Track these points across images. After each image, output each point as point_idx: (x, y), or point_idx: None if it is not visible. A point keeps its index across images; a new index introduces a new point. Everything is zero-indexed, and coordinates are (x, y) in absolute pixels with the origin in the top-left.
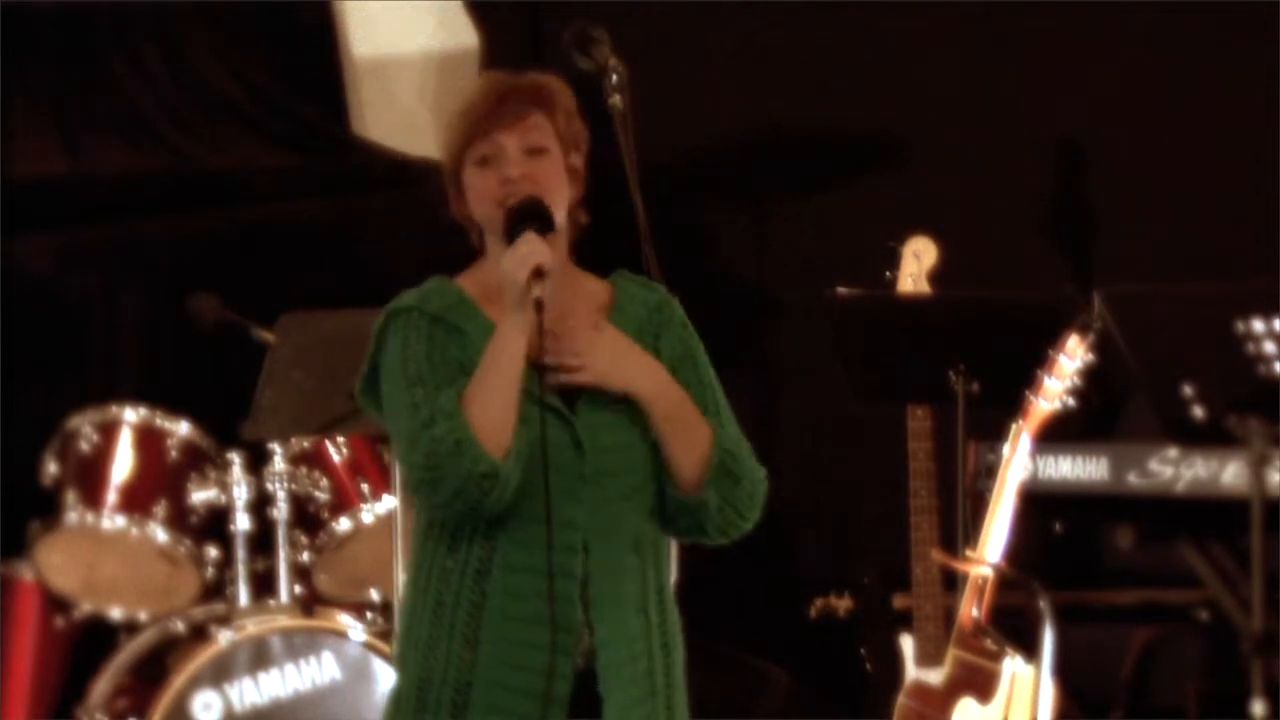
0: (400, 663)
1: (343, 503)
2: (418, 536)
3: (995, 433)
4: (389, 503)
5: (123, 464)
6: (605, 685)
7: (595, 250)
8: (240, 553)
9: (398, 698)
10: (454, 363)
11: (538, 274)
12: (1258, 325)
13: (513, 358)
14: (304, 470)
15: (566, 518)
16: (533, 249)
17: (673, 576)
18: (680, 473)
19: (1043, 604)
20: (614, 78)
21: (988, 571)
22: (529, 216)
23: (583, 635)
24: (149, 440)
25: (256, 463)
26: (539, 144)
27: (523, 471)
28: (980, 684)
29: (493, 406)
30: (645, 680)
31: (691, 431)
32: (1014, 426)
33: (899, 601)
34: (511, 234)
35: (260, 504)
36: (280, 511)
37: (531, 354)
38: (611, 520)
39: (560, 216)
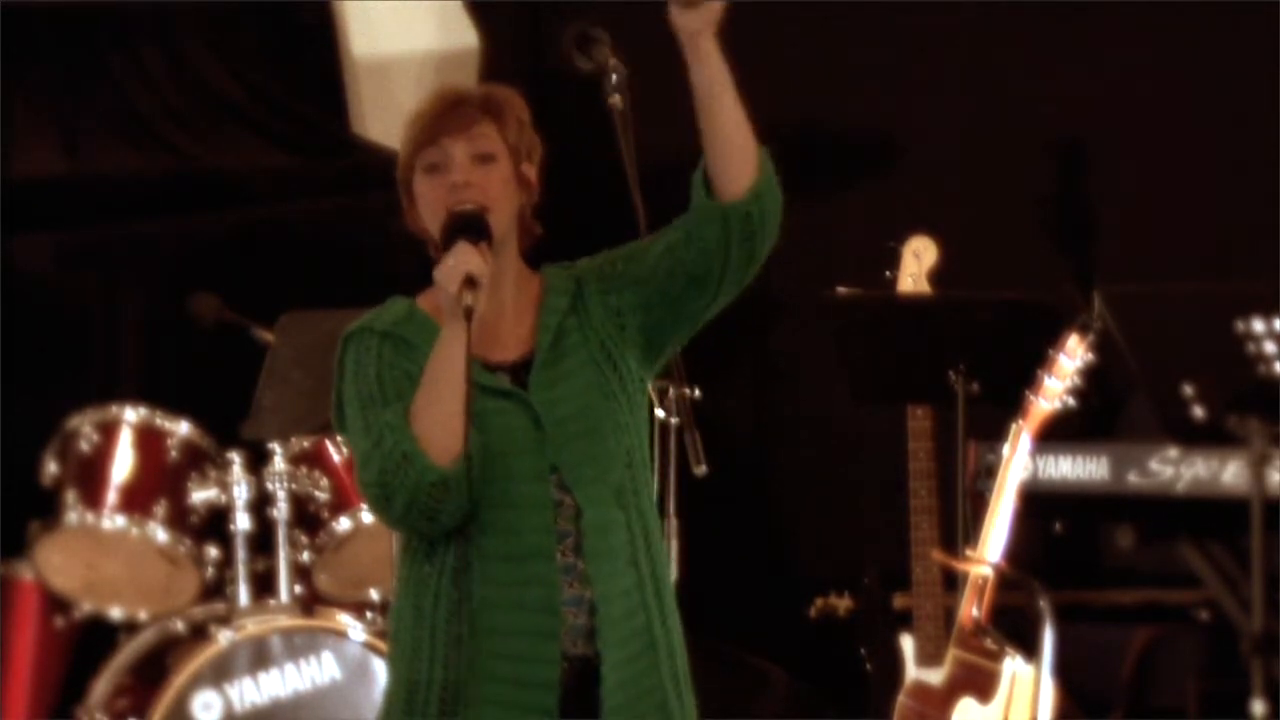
0: (388, 668)
1: (343, 502)
2: (399, 549)
3: (995, 433)
4: None
5: (123, 464)
6: (603, 642)
7: (595, 251)
8: (240, 553)
9: (387, 704)
10: (404, 377)
11: (469, 283)
12: (1258, 325)
13: (452, 366)
14: (304, 470)
15: (539, 499)
16: (462, 259)
17: (673, 576)
18: (742, 131)
19: (1043, 604)
20: (614, 78)
21: (988, 571)
22: (463, 227)
23: (567, 616)
24: (149, 440)
25: (256, 463)
26: (486, 150)
27: (488, 465)
28: (980, 684)
29: (437, 416)
30: (644, 634)
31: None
32: (1014, 426)
33: (899, 601)
34: (446, 244)
35: (260, 504)
36: (280, 511)
37: (494, 355)
38: (594, 481)
39: (503, 224)
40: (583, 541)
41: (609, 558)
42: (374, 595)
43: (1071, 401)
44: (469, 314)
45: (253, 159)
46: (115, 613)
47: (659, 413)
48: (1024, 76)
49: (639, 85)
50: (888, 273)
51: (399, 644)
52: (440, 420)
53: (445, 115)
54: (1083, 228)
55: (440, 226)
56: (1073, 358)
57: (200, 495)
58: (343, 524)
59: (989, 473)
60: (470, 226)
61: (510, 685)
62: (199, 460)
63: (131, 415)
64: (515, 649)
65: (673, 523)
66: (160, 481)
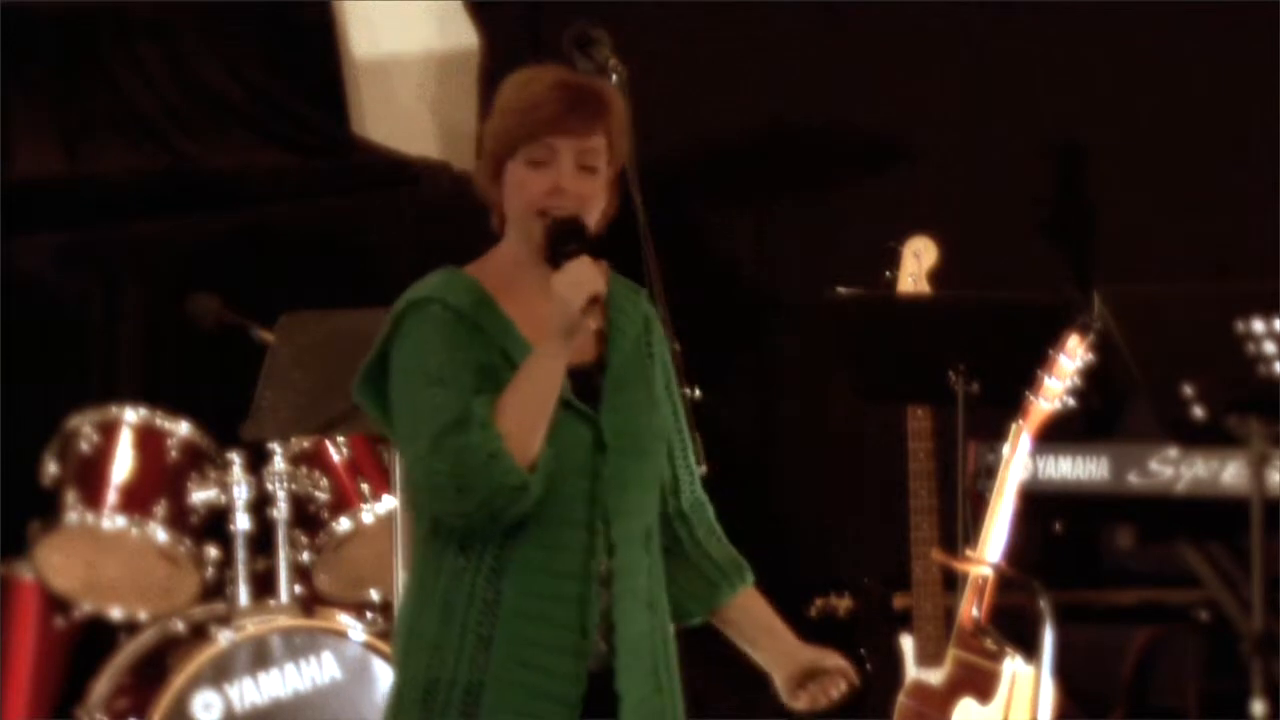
0: (402, 663)
1: (343, 503)
2: (422, 536)
3: (995, 433)
4: (389, 503)
5: (123, 464)
6: (623, 684)
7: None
8: (240, 553)
9: (400, 699)
10: (473, 363)
11: (593, 302)
12: (1258, 325)
13: (553, 378)
14: (304, 470)
15: (584, 520)
16: (586, 275)
17: None
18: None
19: (1043, 604)
20: (614, 78)
21: (988, 571)
22: (574, 237)
23: (597, 639)
24: (149, 440)
25: (256, 463)
26: (592, 163)
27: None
28: (980, 684)
29: (527, 423)
30: (652, 677)
31: None
32: (1014, 426)
33: (899, 601)
34: (555, 253)
35: (260, 504)
36: (280, 511)
37: (531, 345)
38: (631, 518)
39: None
40: (611, 578)
41: (631, 598)
42: (374, 595)
43: (1071, 401)
44: (601, 336)
45: (253, 159)
46: (115, 613)
47: None
48: (1024, 77)
49: (639, 85)
50: (888, 273)
51: (420, 638)
52: (528, 428)
53: (565, 114)
54: (1083, 228)
55: (543, 231)
56: (1073, 358)
57: (200, 495)
58: (343, 524)
59: (989, 473)
60: (577, 235)
61: (533, 697)
62: (199, 460)
63: (131, 415)
64: (542, 662)
65: None
66: (160, 481)
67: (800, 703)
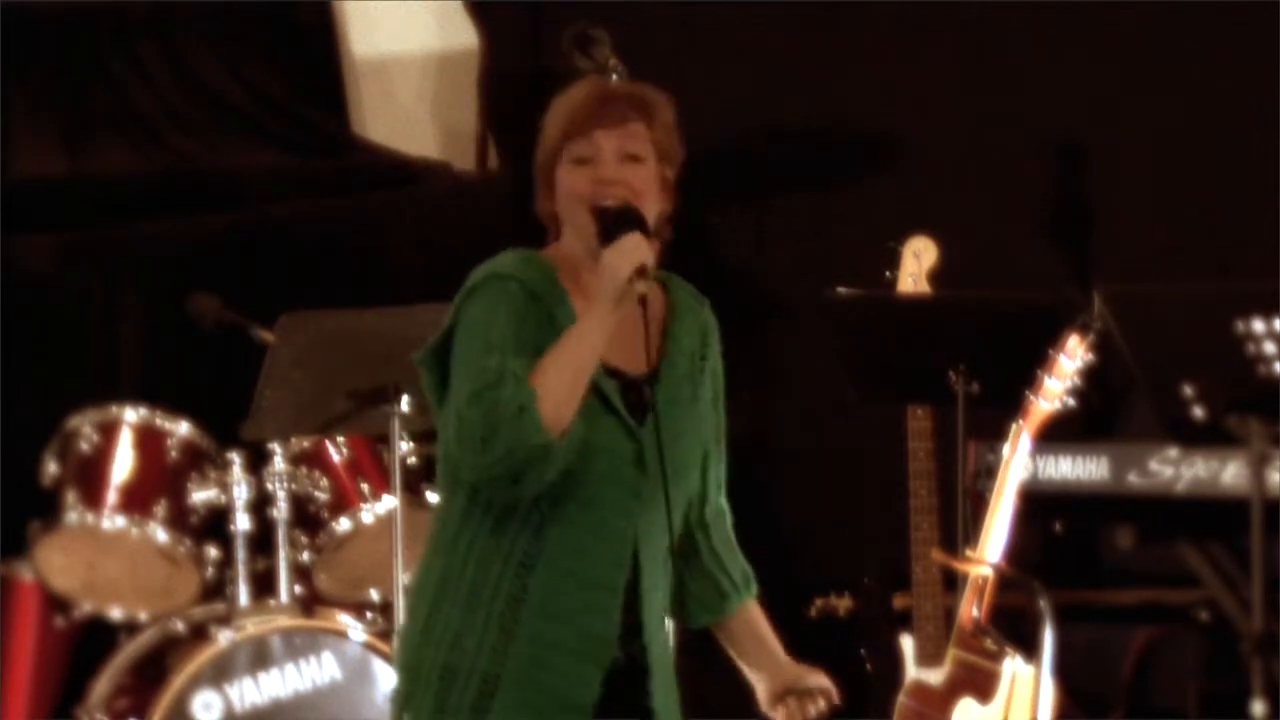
0: (420, 645)
1: (343, 503)
2: (451, 519)
3: (995, 433)
4: (389, 503)
5: (123, 464)
6: (656, 698)
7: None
8: (240, 553)
9: (414, 679)
10: (535, 344)
11: (640, 272)
12: (1258, 325)
13: (594, 345)
14: (304, 470)
15: (617, 532)
16: (636, 246)
17: None
18: None
19: (1043, 604)
20: (614, 78)
21: (988, 571)
22: (626, 220)
23: (614, 647)
24: (149, 440)
25: (256, 463)
26: (635, 151)
27: (580, 479)
28: (980, 684)
29: (563, 386)
30: (667, 685)
31: None
32: (1014, 426)
33: (899, 601)
34: (609, 234)
35: (260, 504)
36: (280, 511)
37: (614, 359)
38: (659, 535)
39: (650, 224)
40: (634, 589)
41: (653, 610)
42: (374, 595)
43: (1071, 401)
44: (644, 301)
45: (253, 159)
46: (115, 613)
47: None
48: (1024, 76)
49: None
50: (888, 273)
51: (443, 622)
52: (563, 391)
53: (599, 109)
54: (1083, 228)
55: (595, 217)
56: (1073, 358)
57: (200, 495)
58: (343, 524)
59: (989, 473)
60: (630, 219)
61: (547, 697)
62: (199, 460)
63: (131, 415)
64: (561, 665)
65: None
66: (160, 481)
67: (778, 716)
